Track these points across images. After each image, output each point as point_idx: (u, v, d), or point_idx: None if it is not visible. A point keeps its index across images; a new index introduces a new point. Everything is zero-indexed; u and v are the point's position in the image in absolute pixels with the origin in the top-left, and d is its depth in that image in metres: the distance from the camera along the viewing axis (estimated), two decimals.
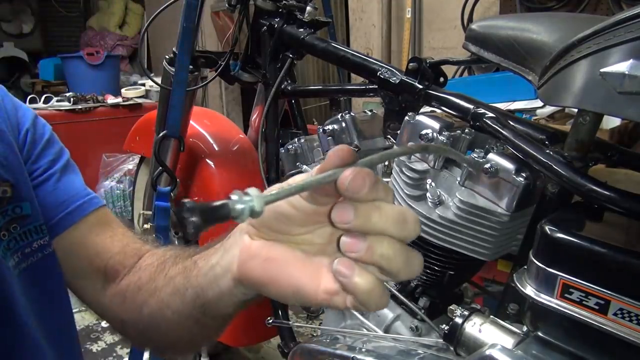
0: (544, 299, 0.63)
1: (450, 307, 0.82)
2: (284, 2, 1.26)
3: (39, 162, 0.65)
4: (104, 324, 2.28)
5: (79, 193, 0.67)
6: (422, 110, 1.04)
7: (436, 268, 0.93)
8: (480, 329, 0.77)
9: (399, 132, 0.96)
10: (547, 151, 0.75)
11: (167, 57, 1.42)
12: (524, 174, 0.78)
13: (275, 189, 0.38)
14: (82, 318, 2.35)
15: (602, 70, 0.56)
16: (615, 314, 0.57)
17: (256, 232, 0.44)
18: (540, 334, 0.67)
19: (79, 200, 0.66)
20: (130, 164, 2.94)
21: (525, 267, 0.67)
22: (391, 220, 0.38)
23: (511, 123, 0.85)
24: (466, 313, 0.80)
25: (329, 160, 0.40)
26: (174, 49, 1.36)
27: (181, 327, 0.56)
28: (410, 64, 1.00)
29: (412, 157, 0.91)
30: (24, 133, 0.64)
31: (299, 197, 0.40)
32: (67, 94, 3.08)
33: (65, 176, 0.67)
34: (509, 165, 0.79)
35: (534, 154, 0.75)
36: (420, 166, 0.90)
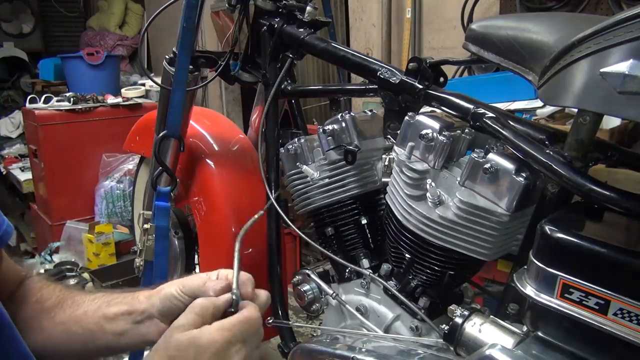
0: (544, 299, 0.63)
1: (450, 307, 0.82)
2: (284, 2, 1.26)
3: None
4: None
5: (3, 218, 0.72)
6: (422, 110, 1.04)
7: (436, 268, 0.93)
8: (480, 329, 0.77)
9: (399, 132, 0.96)
10: (547, 151, 0.75)
11: (167, 57, 1.42)
12: (524, 174, 0.78)
13: None
14: None
15: (602, 70, 0.56)
16: (615, 314, 0.57)
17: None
18: (540, 334, 0.67)
19: (4, 226, 0.72)
20: (130, 164, 2.94)
21: (525, 267, 0.67)
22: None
23: (511, 123, 0.85)
24: (466, 313, 0.80)
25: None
26: (174, 49, 1.36)
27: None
28: (410, 64, 1.00)
29: (412, 157, 0.91)
30: None
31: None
32: (67, 94, 3.07)
33: None
34: (509, 165, 0.79)
35: (534, 154, 0.75)
36: (420, 166, 0.90)
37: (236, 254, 0.71)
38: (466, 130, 0.92)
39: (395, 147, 0.96)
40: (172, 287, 0.68)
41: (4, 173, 3.88)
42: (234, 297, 0.63)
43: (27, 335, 0.70)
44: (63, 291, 0.77)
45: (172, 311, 0.66)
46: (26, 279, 0.78)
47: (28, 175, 3.40)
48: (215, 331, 0.58)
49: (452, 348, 0.81)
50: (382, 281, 1.03)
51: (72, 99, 2.97)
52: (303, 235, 1.13)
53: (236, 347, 0.59)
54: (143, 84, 3.54)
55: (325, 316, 1.19)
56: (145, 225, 1.45)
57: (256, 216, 0.94)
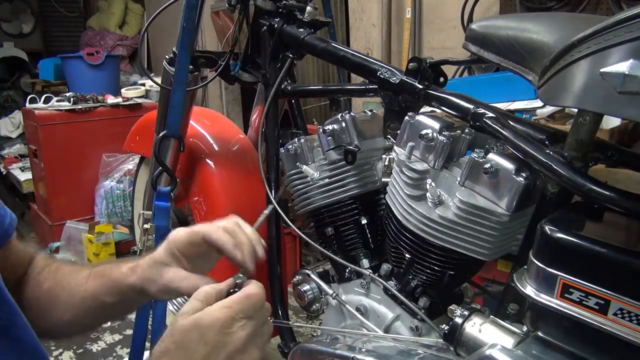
0: (544, 299, 0.63)
1: (450, 307, 0.82)
2: (284, 2, 1.26)
3: None
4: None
5: (5, 210, 0.75)
6: (422, 110, 1.04)
7: (436, 268, 0.93)
8: (480, 329, 0.77)
9: (399, 132, 0.96)
10: (547, 151, 0.75)
11: (167, 57, 1.42)
12: (524, 174, 0.78)
13: None
14: None
15: (602, 70, 0.56)
16: (615, 314, 0.57)
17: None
18: (540, 334, 0.67)
19: (8, 219, 0.75)
20: (130, 164, 2.93)
21: (525, 267, 0.67)
22: None
23: (511, 123, 0.85)
24: (466, 313, 0.80)
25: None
26: (174, 49, 1.36)
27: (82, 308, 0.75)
28: (410, 64, 1.00)
29: (412, 157, 0.91)
30: None
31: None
32: (67, 94, 3.07)
33: None
34: (509, 165, 0.79)
35: (534, 154, 0.75)
36: (420, 166, 0.90)
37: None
38: (466, 130, 0.92)
39: (395, 147, 0.96)
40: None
41: (4, 173, 3.88)
42: (237, 281, 0.64)
43: (47, 316, 0.77)
44: (59, 269, 0.81)
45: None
46: (34, 258, 0.82)
47: (28, 175, 3.40)
48: (218, 309, 0.58)
49: (452, 348, 0.81)
50: (382, 281, 1.03)
51: (72, 99, 2.97)
52: (303, 235, 1.13)
53: (240, 323, 0.58)
54: (143, 84, 3.54)
55: (325, 316, 1.19)
56: (145, 225, 1.45)
57: (267, 212, 0.92)
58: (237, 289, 0.62)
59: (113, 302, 0.74)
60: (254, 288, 0.61)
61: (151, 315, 1.46)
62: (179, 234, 0.70)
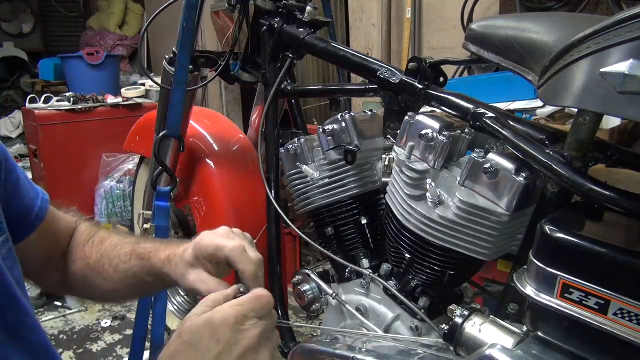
0: (544, 299, 0.63)
1: (450, 307, 0.82)
2: (284, 2, 1.26)
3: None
4: (103, 324, 2.28)
5: (36, 191, 0.78)
6: (422, 110, 1.04)
7: (436, 268, 0.93)
8: (480, 329, 0.77)
9: (399, 132, 0.96)
10: (547, 151, 0.75)
11: (167, 57, 1.42)
12: (524, 174, 0.78)
13: None
14: (82, 318, 2.35)
15: (602, 70, 0.56)
16: (615, 314, 0.57)
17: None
18: (540, 334, 0.67)
19: (40, 201, 0.78)
20: (130, 164, 2.93)
21: (525, 267, 0.67)
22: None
23: (511, 123, 0.85)
24: (466, 313, 0.80)
25: None
26: (174, 49, 1.36)
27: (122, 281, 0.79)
28: (410, 64, 1.00)
29: (412, 157, 0.91)
30: None
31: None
32: (67, 94, 3.07)
33: (19, 179, 0.75)
34: (509, 165, 0.79)
35: (534, 154, 0.75)
36: (420, 166, 0.90)
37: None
38: (466, 130, 0.92)
39: (395, 147, 0.96)
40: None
41: None
42: (241, 289, 0.65)
43: (88, 287, 0.82)
44: (103, 241, 0.84)
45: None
46: (77, 228, 0.85)
47: (28, 175, 3.39)
48: (229, 307, 0.58)
49: (452, 348, 0.80)
50: (382, 281, 1.03)
51: (72, 99, 2.97)
52: (303, 235, 1.13)
53: (252, 321, 0.58)
54: (143, 84, 3.54)
55: (325, 316, 1.19)
56: (145, 225, 1.45)
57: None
58: (244, 292, 0.63)
59: (152, 281, 0.78)
60: (263, 291, 0.62)
61: (151, 316, 1.46)
62: (205, 243, 0.70)
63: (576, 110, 0.74)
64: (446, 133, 0.88)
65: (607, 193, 0.65)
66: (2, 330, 0.63)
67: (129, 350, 1.69)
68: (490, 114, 0.87)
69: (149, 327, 1.47)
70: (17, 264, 0.70)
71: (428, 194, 0.88)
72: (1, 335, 0.63)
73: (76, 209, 0.88)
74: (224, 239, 0.70)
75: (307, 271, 1.19)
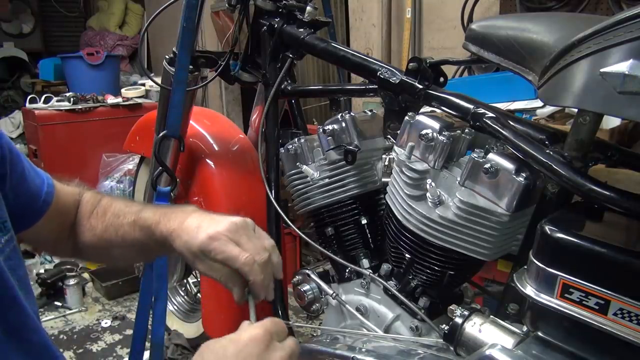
0: (544, 299, 0.63)
1: (450, 307, 0.82)
2: (284, 2, 1.26)
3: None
4: (103, 323, 2.28)
5: (41, 177, 0.80)
6: (422, 110, 1.04)
7: (436, 268, 0.93)
8: (480, 329, 0.77)
9: (399, 132, 0.96)
10: (547, 151, 0.75)
11: (167, 57, 1.42)
12: (524, 174, 0.78)
13: None
14: (82, 318, 2.35)
15: (602, 70, 0.56)
16: (615, 314, 0.57)
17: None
18: (540, 334, 0.67)
19: (45, 186, 0.80)
20: (130, 164, 2.93)
21: (525, 267, 0.67)
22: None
23: (511, 123, 0.85)
24: (466, 313, 0.80)
25: None
26: (174, 49, 1.36)
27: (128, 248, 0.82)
28: (410, 64, 1.00)
29: (412, 157, 0.91)
30: None
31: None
32: (67, 94, 3.07)
33: (25, 169, 0.76)
34: (509, 165, 0.79)
35: (534, 154, 0.75)
36: (421, 166, 0.90)
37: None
38: (466, 130, 0.92)
39: (395, 147, 0.96)
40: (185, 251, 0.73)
41: None
42: (253, 321, 0.66)
43: (100, 252, 0.86)
44: (110, 199, 0.87)
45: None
46: (81, 200, 0.87)
47: None
48: (254, 328, 0.59)
49: (452, 348, 0.81)
50: (382, 281, 1.03)
51: (72, 99, 2.97)
52: (303, 235, 1.13)
53: (275, 344, 0.59)
54: (143, 84, 3.54)
55: (325, 316, 1.19)
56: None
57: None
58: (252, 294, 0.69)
59: (159, 249, 0.81)
60: (275, 318, 0.63)
61: (151, 316, 1.46)
62: (214, 248, 0.69)
63: (576, 110, 0.74)
64: (446, 133, 0.88)
65: (607, 193, 0.65)
66: (2, 331, 0.63)
67: (129, 350, 1.69)
68: (490, 114, 0.87)
69: (149, 327, 1.47)
70: (21, 262, 0.71)
71: (428, 194, 0.88)
72: (1, 336, 0.63)
73: (78, 180, 0.89)
74: (234, 248, 0.69)
75: (307, 271, 1.19)
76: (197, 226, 0.71)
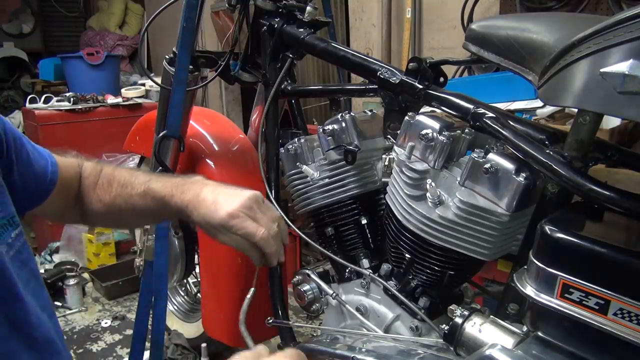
0: (544, 299, 0.63)
1: (450, 307, 0.82)
2: (284, 2, 1.26)
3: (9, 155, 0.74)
4: (103, 323, 2.28)
5: (45, 157, 0.82)
6: (422, 110, 1.04)
7: (436, 268, 0.93)
8: (480, 329, 0.77)
9: (399, 132, 0.96)
10: (547, 151, 0.75)
11: (167, 57, 1.42)
12: (524, 174, 0.78)
13: None
14: (82, 318, 2.35)
15: (602, 70, 0.56)
16: (615, 314, 0.57)
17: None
18: (540, 334, 0.67)
19: (50, 165, 0.82)
20: (130, 164, 2.93)
21: (525, 267, 0.67)
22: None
23: (511, 123, 0.85)
24: (466, 313, 0.80)
25: None
26: (174, 49, 1.36)
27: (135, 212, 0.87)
28: (410, 64, 1.00)
29: (412, 157, 0.91)
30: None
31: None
32: (67, 94, 3.07)
33: (29, 152, 0.79)
34: (509, 165, 0.79)
35: (534, 154, 0.75)
36: (420, 166, 0.90)
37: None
38: (466, 130, 0.92)
39: (395, 147, 0.96)
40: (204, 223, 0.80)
41: None
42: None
43: (111, 220, 0.94)
44: (113, 168, 0.91)
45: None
46: (81, 172, 0.90)
47: None
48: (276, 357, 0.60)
49: (452, 348, 0.81)
50: (382, 281, 1.03)
51: (72, 99, 2.97)
52: (303, 235, 1.13)
53: None
54: (143, 84, 3.53)
55: (325, 316, 1.19)
56: (146, 225, 1.45)
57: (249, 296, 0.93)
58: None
59: (174, 216, 0.87)
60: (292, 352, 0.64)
61: (151, 316, 1.46)
62: (234, 224, 0.77)
63: (576, 110, 0.74)
64: (446, 133, 0.88)
65: (607, 193, 0.65)
66: (7, 326, 0.65)
67: (129, 350, 1.69)
68: (490, 114, 0.87)
69: (149, 327, 1.47)
70: (31, 255, 0.73)
71: (428, 194, 0.88)
72: (6, 331, 0.65)
73: (76, 152, 0.92)
74: (251, 224, 0.78)
75: (307, 271, 1.19)
76: (214, 201, 0.78)
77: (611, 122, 1.37)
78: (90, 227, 2.69)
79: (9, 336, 0.65)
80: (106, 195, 0.87)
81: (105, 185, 0.88)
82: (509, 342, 0.72)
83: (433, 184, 0.87)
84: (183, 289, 2.09)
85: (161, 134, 1.37)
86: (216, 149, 1.58)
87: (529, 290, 0.65)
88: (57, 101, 3.00)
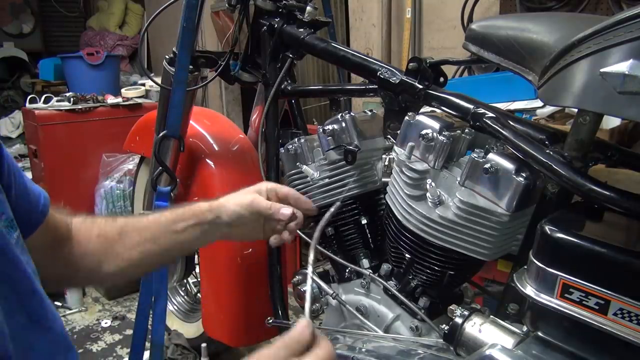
0: (544, 299, 0.63)
1: (450, 307, 0.82)
2: (284, 2, 1.26)
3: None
4: (103, 323, 2.28)
5: (36, 191, 0.80)
6: (422, 110, 1.04)
7: (436, 268, 0.93)
8: (480, 329, 0.77)
9: (399, 132, 0.96)
10: (547, 151, 0.75)
11: (167, 57, 1.42)
12: (524, 174, 0.78)
13: None
14: (82, 318, 2.35)
15: (602, 70, 0.56)
16: (615, 314, 0.57)
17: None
18: (540, 334, 0.67)
19: (41, 198, 0.80)
20: (130, 164, 2.93)
21: (525, 267, 0.67)
22: None
23: (511, 123, 0.85)
24: (466, 313, 0.80)
25: None
26: (174, 49, 1.36)
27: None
28: (410, 64, 1.00)
29: (412, 157, 0.91)
30: None
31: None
32: (67, 94, 3.06)
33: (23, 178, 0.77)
34: (509, 165, 0.79)
35: (534, 154, 0.75)
36: (420, 166, 0.90)
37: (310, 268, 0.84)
38: (466, 130, 0.92)
39: (395, 147, 0.96)
40: (239, 207, 0.87)
41: None
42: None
43: (104, 264, 0.85)
44: (117, 220, 0.88)
45: (239, 223, 0.88)
46: (72, 221, 0.87)
47: (28, 175, 3.38)
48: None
49: (452, 348, 0.81)
50: (382, 281, 1.03)
51: (72, 99, 2.97)
52: (303, 235, 1.13)
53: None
54: (143, 84, 3.53)
55: (325, 316, 1.19)
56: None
57: (333, 209, 1.01)
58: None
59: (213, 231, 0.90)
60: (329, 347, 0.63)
61: (151, 316, 1.46)
62: (262, 205, 0.87)
63: (576, 110, 0.74)
64: (446, 133, 0.88)
65: (607, 193, 0.65)
66: (26, 318, 0.66)
67: (129, 350, 1.69)
68: (490, 114, 0.87)
69: (149, 327, 1.47)
70: (30, 259, 0.72)
71: (428, 194, 0.88)
72: (26, 322, 0.66)
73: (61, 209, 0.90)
74: (266, 201, 0.88)
75: (307, 271, 1.18)
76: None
77: (611, 122, 1.37)
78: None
79: (31, 327, 0.66)
80: (126, 253, 0.86)
81: (127, 242, 0.86)
82: (509, 342, 0.72)
83: (433, 184, 0.87)
84: (183, 289, 2.09)
85: (161, 134, 1.38)
86: (216, 149, 1.58)
87: (529, 290, 0.65)
88: (57, 101, 2.99)
